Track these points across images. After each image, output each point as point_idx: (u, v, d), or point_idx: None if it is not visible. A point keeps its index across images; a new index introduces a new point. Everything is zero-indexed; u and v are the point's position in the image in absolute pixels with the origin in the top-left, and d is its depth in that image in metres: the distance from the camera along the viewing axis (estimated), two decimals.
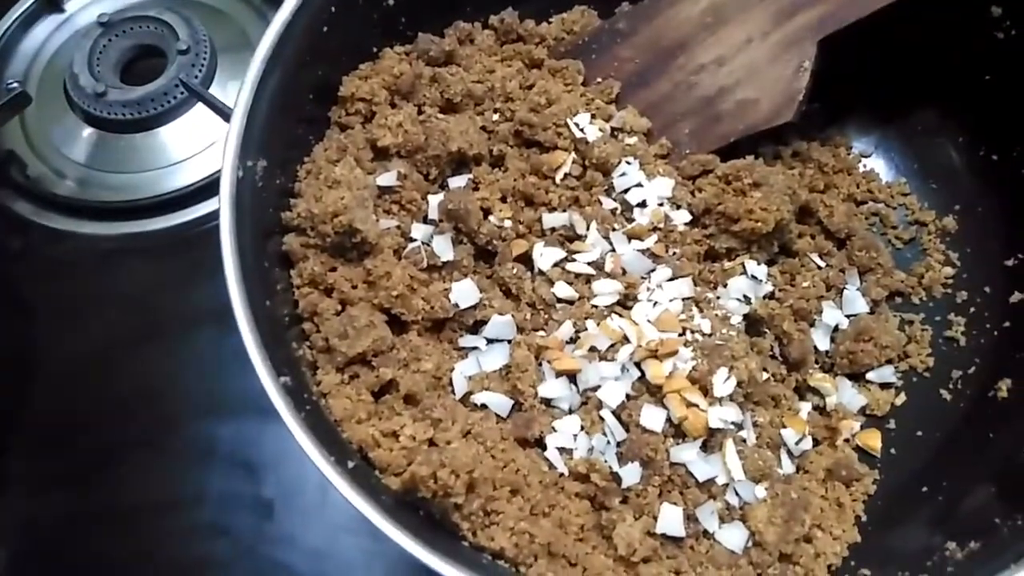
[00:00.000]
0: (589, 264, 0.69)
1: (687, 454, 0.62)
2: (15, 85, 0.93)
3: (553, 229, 0.71)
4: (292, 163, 0.68)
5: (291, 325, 0.64)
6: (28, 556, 0.78)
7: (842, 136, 0.81)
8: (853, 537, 0.63)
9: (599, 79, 0.78)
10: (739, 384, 0.64)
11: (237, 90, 0.64)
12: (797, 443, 0.66)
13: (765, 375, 0.66)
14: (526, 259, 0.70)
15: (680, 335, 0.66)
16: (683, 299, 0.68)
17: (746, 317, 0.68)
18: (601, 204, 0.71)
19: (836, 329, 0.71)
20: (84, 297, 0.87)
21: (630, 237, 0.70)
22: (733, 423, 0.64)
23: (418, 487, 0.54)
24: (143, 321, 0.86)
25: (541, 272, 0.69)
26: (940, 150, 0.80)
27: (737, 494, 0.63)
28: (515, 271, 0.69)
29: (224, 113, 0.87)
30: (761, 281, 0.70)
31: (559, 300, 0.68)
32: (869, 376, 0.71)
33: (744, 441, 0.65)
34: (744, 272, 0.70)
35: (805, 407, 0.68)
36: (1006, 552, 0.55)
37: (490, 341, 0.68)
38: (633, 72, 0.77)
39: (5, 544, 0.78)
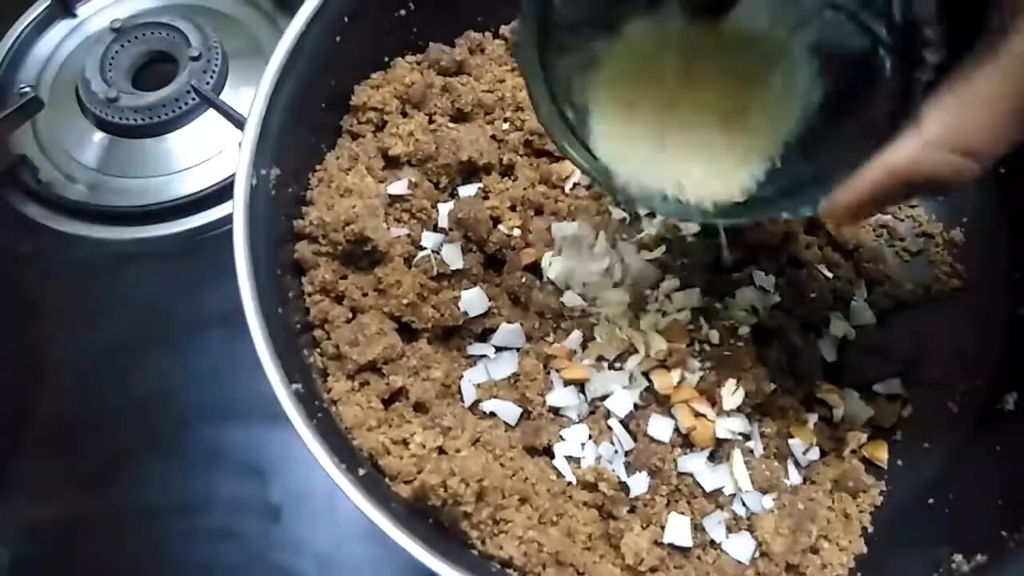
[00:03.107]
0: (598, 274, 0.69)
1: (695, 464, 0.63)
2: (27, 90, 0.93)
3: (563, 238, 0.71)
4: (304, 171, 0.69)
5: (302, 332, 0.64)
6: (33, 558, 0.78)
7: None
8: (859, 548, 0.63)
9: None
10: (747, 395, 0.65)
11: (249, 96, 0.65)
12: (804, 453, 0.66)
13: (773, 386, 0.66)
14: (535, 268, 0.71)
15: (688, 345, 0.66)
16: (691, 309, 0.68)
17: (754, 328, 0.69)
18: (610, 214, 0.72)
19: (843, 340, 0.72)
20: (94, 301, 0.88)
21: (639, 247, 0.71)
22: (741, 434, 0.65)
23: (428, 495, 0.55)
24: (152, 325, 0.86)
25: (550, 281, 0.70)
26: None
27: (744, 504, 0.63)
28: (524, 280, 0.70)
29: (235, 119, 0.87)
30: (769, 292, 0.70)
31: (567, 309, 0.69)
32: (876, 388, 0.71)
33: (751, 452, 0.65)
34: (752, 283, 0.70)
35: (812, 418, 0.68)
36: (1013, 565, 0.55)
37: (499, 349, 0.68)
38: None
39: (10, 546, 0.78)
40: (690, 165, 0.53)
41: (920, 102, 0.44)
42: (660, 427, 0.63)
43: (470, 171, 0.74)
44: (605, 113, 0.55)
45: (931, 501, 0.65)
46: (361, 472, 0.55)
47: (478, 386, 0.66)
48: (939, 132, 0.43)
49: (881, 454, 0.69)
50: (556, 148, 0.56)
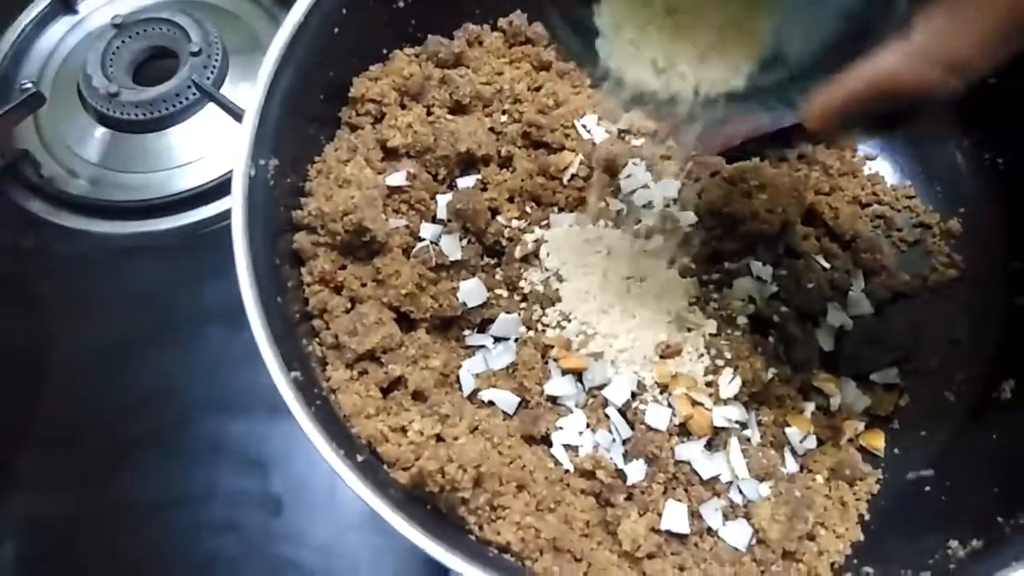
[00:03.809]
0: (595, 264, 0.70)
1: (692, 452, 0.63)
2: (29, 85, 0.94)
3: (561, 229, 0.71)
4: (303, 162, 0.69)
5: (301, 322, 0.65)
6: (37, 553, 0.78)
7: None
8: (856, 535, 0.64)
9: None
10: (744, 384, 0.65)
11: (248, 91, 0.65)
12: (801, 442, 0.67)
13: (770, 375, 0.67)
14: (533, 258, 0.71)
15: (685, 334, 0.67)
16: (688, 299, 0.69)
17: (751, 318, 0.69)
18: (608, 205, 0.72)
19: (841, 330, 0.72)
20: (96, 295, 0.88)
21: (636, 237, 0.71)
22: (738, 422, 0.65)
23: (426, 481, 0.55)
24: (154, 319, 0.86)
25: (548, 271, 0.70)
26: (945, 153, 0.80)
27: (741, 492, 0.63)
28: (522, 270, 0.70)
29: (235, 113, 0.88)
30: (766, 282, 0.71)
31: (565, 299, 0.69)
32: (873, 377, 0.71)
33: (748, 440, 0.65)
34: (749, 273, 0.71)
35: (809, 407, 0.69)
36: (1008, 550, 0.55)
37: (497, 339, 0.69)
38: None
39: (14, 540, 0.78)
40: (693, 59, 0.54)
41: (908, 12, 0.44)
42: (658, 415, 0.64)
43: (468, 162, 0.74)
44: (611, 19, 0.55)
45: (927, 489, 0.66)
46: (359, 459, 0.56)
47: (477, 376, 0.67)
48: (924, 43, 0.43)
49: (878, 443, 0.69)
50: (569, 58, 0.56)
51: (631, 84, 0.55)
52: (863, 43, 0.45)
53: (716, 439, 0.65)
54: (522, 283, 0.70)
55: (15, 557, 0.77)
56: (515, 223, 0.72)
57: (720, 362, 0.66)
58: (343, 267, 0.67)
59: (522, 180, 0.73)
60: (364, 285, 0.66)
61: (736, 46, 0.53)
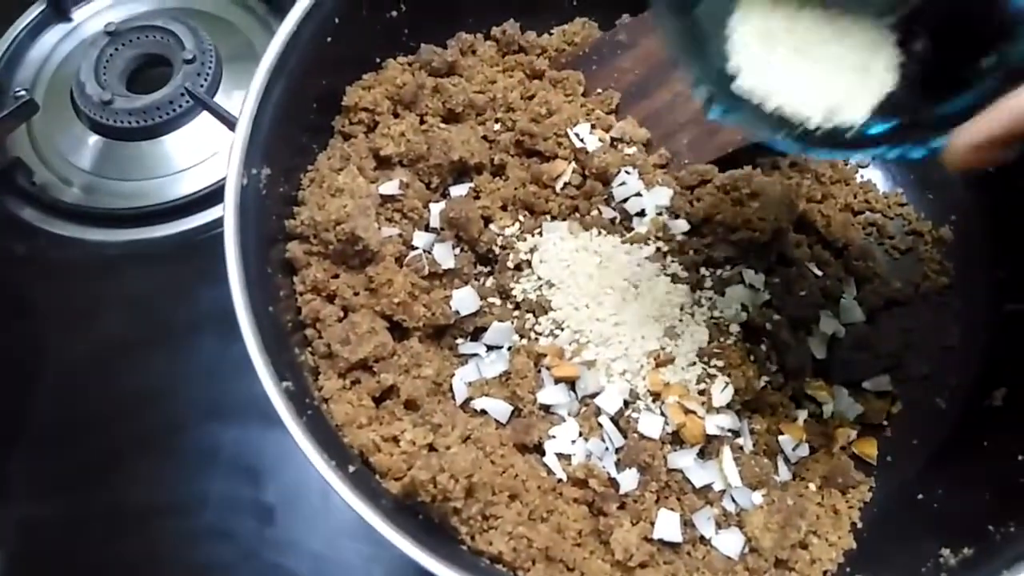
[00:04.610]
0: (588, 272, 0.70)
1: (684, 460, 0.63)
2: (22, 93, 0.94)
3: (553, 238, 0.72)
4: (296, 171, 0.69)
5: (293, 331, 0.65)
6: (28, 558, 0.78)
7: None
8: (849, 543, 0.64)
9: (599, 90, 0.79)
10: (736, 392, 0.65)
11: (242, 99, 0.65)
12: (794, 450, 0.67)
13: (762, 383, 0.67)
14: (526, 267, 0.71)
15: (677, 342, 0.67)
16: (681, 307, 0.69)
17: (744, 325, 0.69)
18: (600, 213, 0.72)
19: (833, 338, 0.72)
20: (89, 302, 0.88)
21: (629, 245, 0.71)
22: (730, 430, 0.65)
23: (418, 491, 0.55)
24: (147, 326, 0.86)
25: (540, 279, 0.70)
26: (936, 161, 0.80)
27: (734, 500, 0.64)
28: (515, 279, 0.70)
29: (228, 121, 0.88)
30: (759, 290, 0.71)
31: (558, 307, 0.69)
32: (865, 385, 0.72)
33: (741, 448, 0.65)
34: (742, 281, 0.71)
35: (802, 415, 0.69)
36: (998, 558, 0.56)
37: (490, 348, 0.69)
38: (633, 83, 0.78)
39: (5, 546, 0.78)
40: (820, 86, 0.53)
41: None
42: (650, 424, 0.64)
43: (461, 171, 0.74)
44: (742, 39, 0.54)
45: (920, 496, 0.66)
46: (351, 469, 0.56)
47: (469, 384, 0.67)
48: None
49: (870, 450, 0.69)
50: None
51: (753, 97, 0.53)
52: (1006, 77, 0.44)
53: (709, 447, 0.65)
54: (515, 291, 0.70)
55: (7, 562, 0.77)
56: (508, 231, 0.72)
57: (712, 370, 0.66)
58: (336, 276, 0.67)
59: (515, 188, 0.73)
60: (357, 294, 0.67)
61: (859, 81, 0.52)
